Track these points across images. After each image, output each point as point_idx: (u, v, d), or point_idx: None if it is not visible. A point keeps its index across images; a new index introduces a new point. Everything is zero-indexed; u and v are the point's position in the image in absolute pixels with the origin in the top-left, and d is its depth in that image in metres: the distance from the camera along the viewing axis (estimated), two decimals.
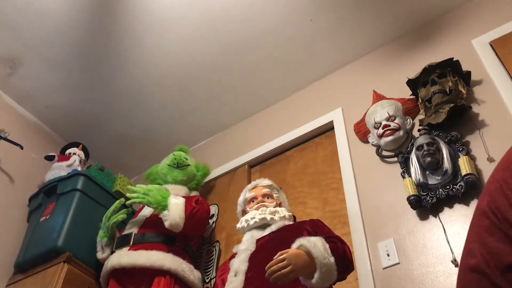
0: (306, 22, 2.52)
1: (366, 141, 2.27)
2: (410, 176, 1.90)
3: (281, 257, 1.36)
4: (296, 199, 2.34)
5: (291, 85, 2.85)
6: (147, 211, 2.30)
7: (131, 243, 2.13)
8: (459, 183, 1.75)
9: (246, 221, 1.81)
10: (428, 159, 1.84)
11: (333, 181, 2.28)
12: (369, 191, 2.07)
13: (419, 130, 2.03)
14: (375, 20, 2.51)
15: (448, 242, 1.69)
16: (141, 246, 2.10)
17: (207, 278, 2.32)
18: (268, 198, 1.93)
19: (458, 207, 1.76)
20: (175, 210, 2.11)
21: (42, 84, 2.80)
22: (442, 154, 1.85)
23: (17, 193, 2.60)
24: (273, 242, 1.67)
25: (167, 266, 2.01)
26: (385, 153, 2.14)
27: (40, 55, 2.65)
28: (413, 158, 1.93)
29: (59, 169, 2.63)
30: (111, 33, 2.56)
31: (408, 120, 2.17)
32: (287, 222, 1.79)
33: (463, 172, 1.75)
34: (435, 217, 1.79)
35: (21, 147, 2.61)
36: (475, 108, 1.99)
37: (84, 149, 2.88)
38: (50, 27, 2.51)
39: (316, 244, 1.41)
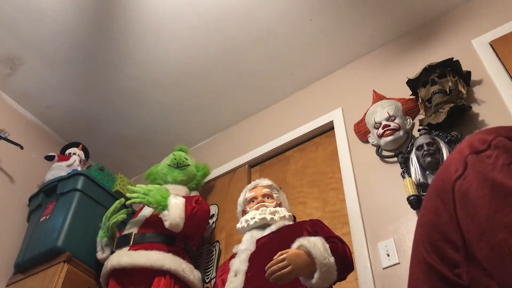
0: (306, 22, 2.52)
1: (366, 141, 2.27)
2: (410, 176, 1.90)
3: (281, 257, 1.36)
4: (296, 199, 2.34)
5: (291, 85, 2.85)
6: (147, 211, 2.30)
7: (131, 243, 2.13)
8: None
9: (246, 221, 1.81)
10: (428, 159, 1.84)
11: (333, 181, 2.28)
12: (369, 191, 2.07)
13: (419, 130, 2.03)
14: (375, 20, 2.51)
15: None
16: (141, 246, 2.10)
17: (207, 278, 2.32)
18: (268, 198, 1.93)
19: None
20: (175, 210, 2.11)
21: (42, 84, 2.80)
22: (442, 154, 1.85)
23: (17, 193, 2.60)
24: (273, 242, 1.67)
25: (167, 266, 2.01)
26: (385, 153, 2.14)
27: (40, 55, 2.65)
28: (413, 158, 1.93)
29: (59, 169, 2.63)
30: (111, 33, 2.56)
31: (408, 120, 2.17)
32: (287, 222, 1.79)
33: None
34: None
35: (21, 147, 2.61)
36: (475, 108, 1.99)
37: (84, 149, 2.88)
38: (50, 27, 2.51)
39: (316, 244, 1.41)
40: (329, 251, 1.42)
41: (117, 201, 2.26)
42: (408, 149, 2.00)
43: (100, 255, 2.22)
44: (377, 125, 2.15)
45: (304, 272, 1.38)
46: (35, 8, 2.43)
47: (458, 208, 0.58)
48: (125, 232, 2.23)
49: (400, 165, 2.00)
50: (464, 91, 2.00)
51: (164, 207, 2.11)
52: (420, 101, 2.11)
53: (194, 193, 2.52)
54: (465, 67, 2.07)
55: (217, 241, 2.48)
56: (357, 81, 2.59)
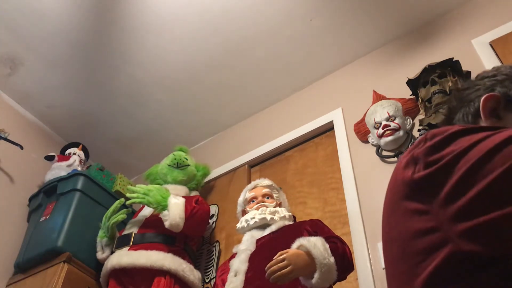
0: (306, 22, 2.52)
1: (366, 141, 2.27)
2: None
3: (281, 257, 1.36)
4: (296, 199, 2.34)
5: (291, 85, 2.85)
6: (147, 211, 2.30)
7: (131, 243, 2.13)
8: None
9: (246, 221, 1.81)
10: None
11: (333, 181, 2.28)
12: (369, 191, 2.07)
13: (419, 130, 2.03)
14: (375, 20, 2.51)
15: None
16: (141, 246, 2.10)
17: (207, 278, 2.32)
18: (268, 198, 1.93)
19: None
20: (175, 210, 2.11)
21: (42, 84, 2.80)
22: None
23: (17, 193, 2.60)
24: (273, 242, 1.67)
25: (167, 266, 2.01)
26: (385, 153, 2.14)
27: (40, 55, 2.65)
28: None
29: (59, 169, 2.63)
30: (111, 33, 2.56)
31: (408, 120, 2.17)
32: (287, 222, 1.79)
33: None
34: None
35: (21, 147, 2.61)
36: None
37: (84, 149, 2.88)
38: (50, 27, 2.51)
39: (316, 244, 1.41)
40: (329, 251, 1.43)
41: (117, 201, 2.26)
42: None
43: (100, 255, 2.23)
44: (377, 125, 2.15)
45: (304, 272, 1.38)
46: (35, 8, 2.43)
47: (435, 192, 0.62)
48: (125, 232, 2.24)
49: None
50: None
51: (164, 207, 2.11)
52: (420, 101, 2.11)
53: (194, 193, 2.52)
54: (465, 67, 2.07)
55: (217, 241, 2.48)
56: (357, 81, 2.59)
